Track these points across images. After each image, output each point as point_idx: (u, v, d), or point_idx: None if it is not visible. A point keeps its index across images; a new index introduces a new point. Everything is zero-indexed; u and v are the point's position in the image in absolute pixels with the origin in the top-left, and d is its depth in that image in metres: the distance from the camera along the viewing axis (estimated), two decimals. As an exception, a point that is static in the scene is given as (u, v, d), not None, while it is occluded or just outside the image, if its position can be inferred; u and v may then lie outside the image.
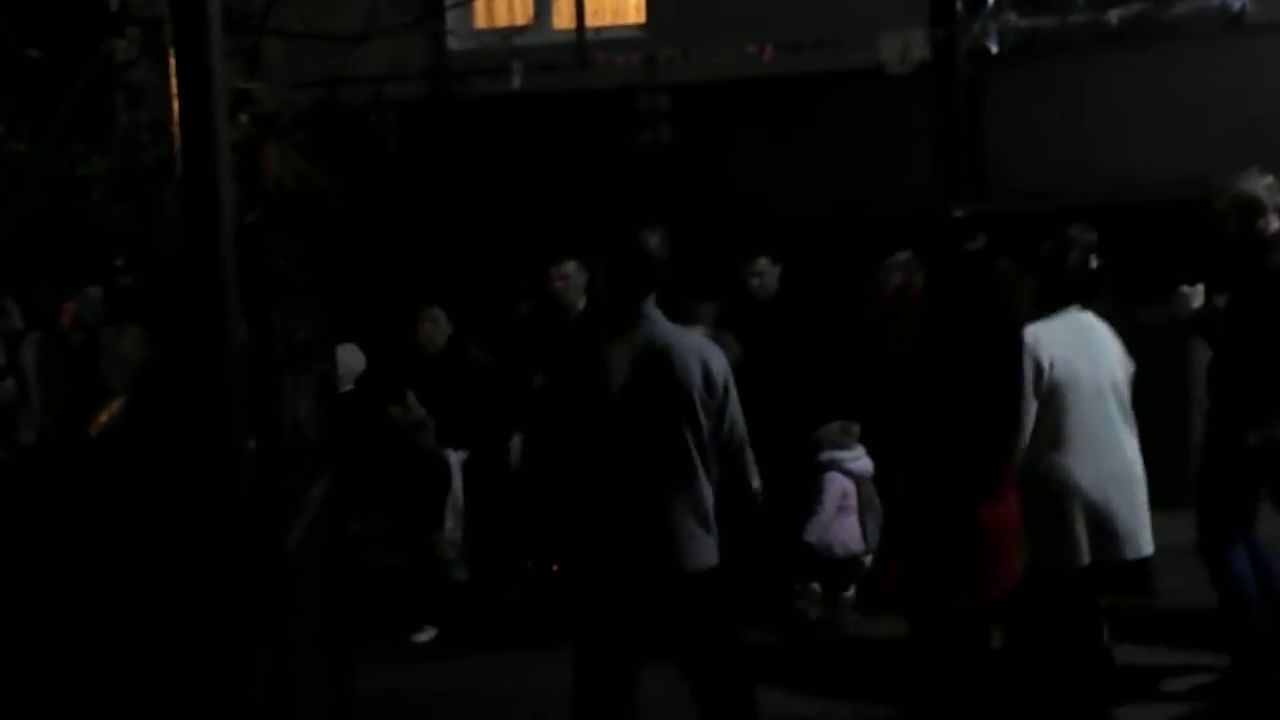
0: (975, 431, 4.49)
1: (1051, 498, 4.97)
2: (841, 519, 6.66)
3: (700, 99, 8.79)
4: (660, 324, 4.15)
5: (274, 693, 3.22)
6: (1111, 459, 5.08)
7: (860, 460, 6.73)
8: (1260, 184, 5.55)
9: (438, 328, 7.01)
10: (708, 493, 4.09)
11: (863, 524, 6.66)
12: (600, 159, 8.70)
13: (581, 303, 7.02)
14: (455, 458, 6.94)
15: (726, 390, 4.12)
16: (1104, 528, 5.03)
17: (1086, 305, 5.22)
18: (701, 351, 4.14)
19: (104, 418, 4.48)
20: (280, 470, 3.34)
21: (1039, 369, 4.97)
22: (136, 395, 4.14)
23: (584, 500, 4.09)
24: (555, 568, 5.21)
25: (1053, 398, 4.99)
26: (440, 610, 6.90)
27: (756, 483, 4.18)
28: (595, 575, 4.11)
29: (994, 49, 8.34)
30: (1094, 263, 5.27)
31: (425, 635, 6.85)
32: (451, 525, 6.88)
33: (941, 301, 4.63)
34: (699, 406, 4.05)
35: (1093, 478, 5.02)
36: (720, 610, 4.13)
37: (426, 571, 6.94)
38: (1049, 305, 5.15)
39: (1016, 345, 4.75)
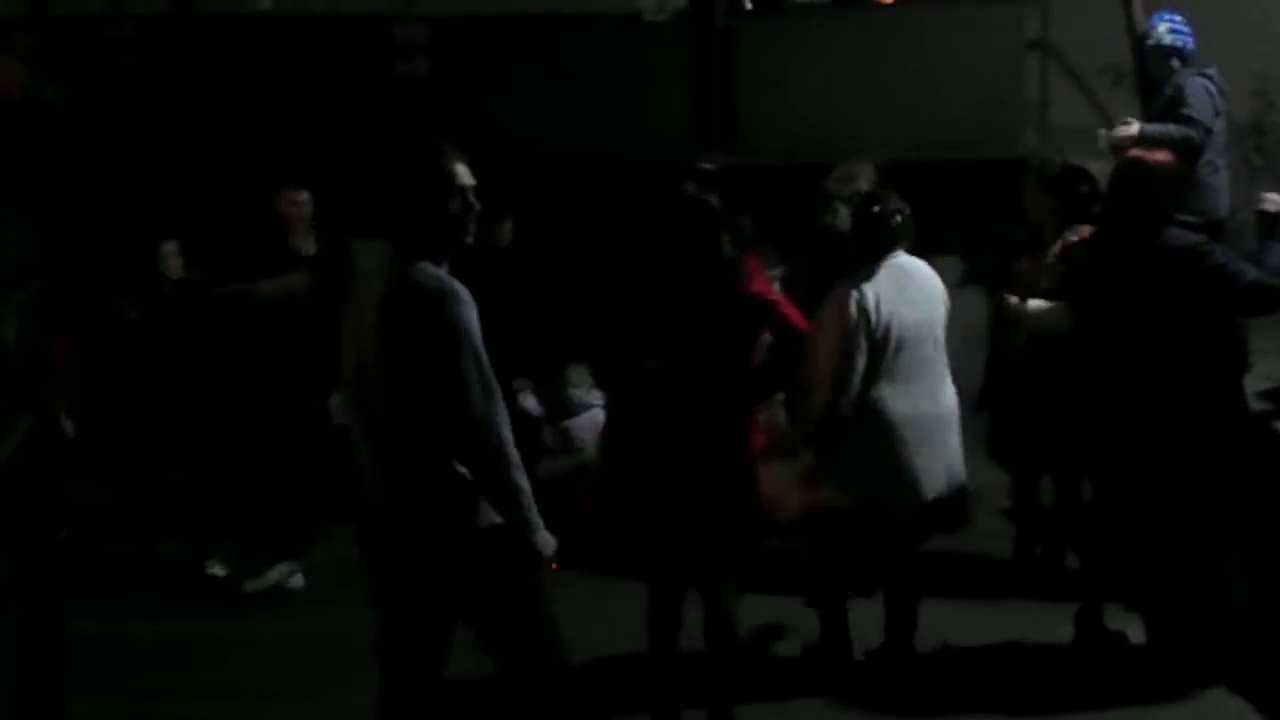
0: (716, 380, 4.59)
1: (881, 441, 5.12)
2: None
3: (458, 32, 8.65)
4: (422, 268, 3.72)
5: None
6: (930, 401, 5.23)
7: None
8: (854, 173, 5.81)
9: (173, 262, 6.72)
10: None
11: None
12: (352, 89, 8.46)
13: (309, 237, 6.86)
14: None
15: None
16: (923, 470, 5.19)
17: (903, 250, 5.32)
18: (442, 301, 3.71)
19: None
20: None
21: (866, 315, 5.10)
22: None
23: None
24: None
25: (880, 342, 5.13)
26: None
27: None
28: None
29: (749, 4, 8.47)
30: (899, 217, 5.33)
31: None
32: None
33: (668, 251, 4.69)
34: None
35: (916, 415, 5.17)
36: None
37: None
38: (869, 253, 5.24)
39: (735, 298, 4.78)
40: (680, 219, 4.70)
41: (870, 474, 5.15)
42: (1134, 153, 5.47)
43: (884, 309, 5.16)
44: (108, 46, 8.50)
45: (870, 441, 5.14)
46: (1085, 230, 5.77)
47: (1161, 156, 5.34)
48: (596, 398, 6.87)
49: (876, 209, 5.29)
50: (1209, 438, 5.15)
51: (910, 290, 5.27)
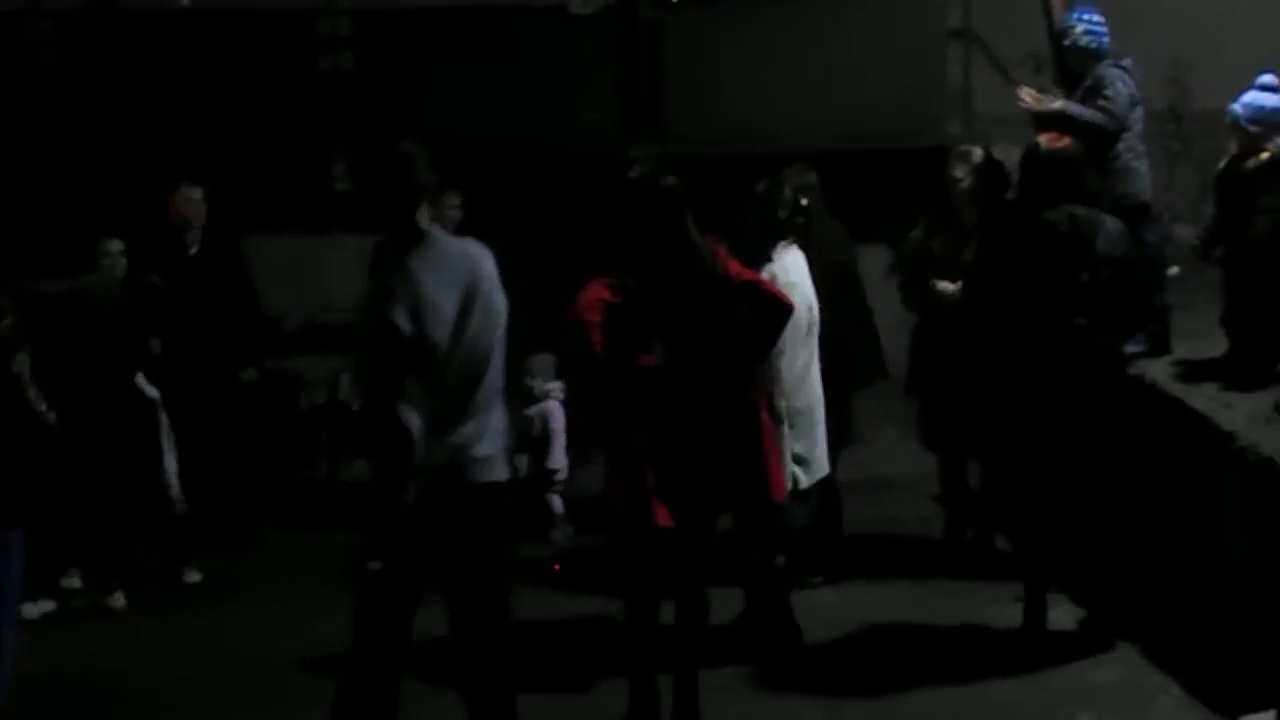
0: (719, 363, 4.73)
1: (813, 417, 5.41)
2: (560, 444, 6.87)
3: (383, 26, 8.59)
4: (447, 237, 4.18)
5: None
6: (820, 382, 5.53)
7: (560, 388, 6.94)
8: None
9: (116, 261, 6.50)
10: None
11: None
12: (276, 83, 8.38)
13: (200, 233, 6.86)
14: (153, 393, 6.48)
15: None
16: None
17: (799, 241, 5.49)
18: (486, 257, 4.18)
19: None
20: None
21: (808, 303, 5.33)
22: None
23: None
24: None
25: (811, 328, 5.38)
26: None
27: None
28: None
29: (674, -6, 8.49)
30: (804, 201, 5.53)
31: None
32: (169, 461, 6.46)
33: (637, 240, 4.76)
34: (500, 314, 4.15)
35: (821, 397, 5.49)
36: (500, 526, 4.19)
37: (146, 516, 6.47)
38: (765, 240, 5.39)
39: (712, 278, 4.88)
40: (648, 206, 4.74)
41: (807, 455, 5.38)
42: (1041, 138, 5.60)
43: (810, 296, 5.38)
44: (26, 42, 8.36)
45: (808, 427, 5.38)
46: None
47: (1063, 144, 5.48)
48: (555, 388, 6.86)
49: (802, 200, 5.44)
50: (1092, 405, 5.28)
51: (807, 276, 5.46)
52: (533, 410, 6.85)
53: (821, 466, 5.50)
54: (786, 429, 5.29)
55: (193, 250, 6.88)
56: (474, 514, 4.11)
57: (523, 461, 6.77)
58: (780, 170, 5.79)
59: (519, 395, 6.85)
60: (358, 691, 4.12)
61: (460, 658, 4.25)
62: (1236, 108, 5.93)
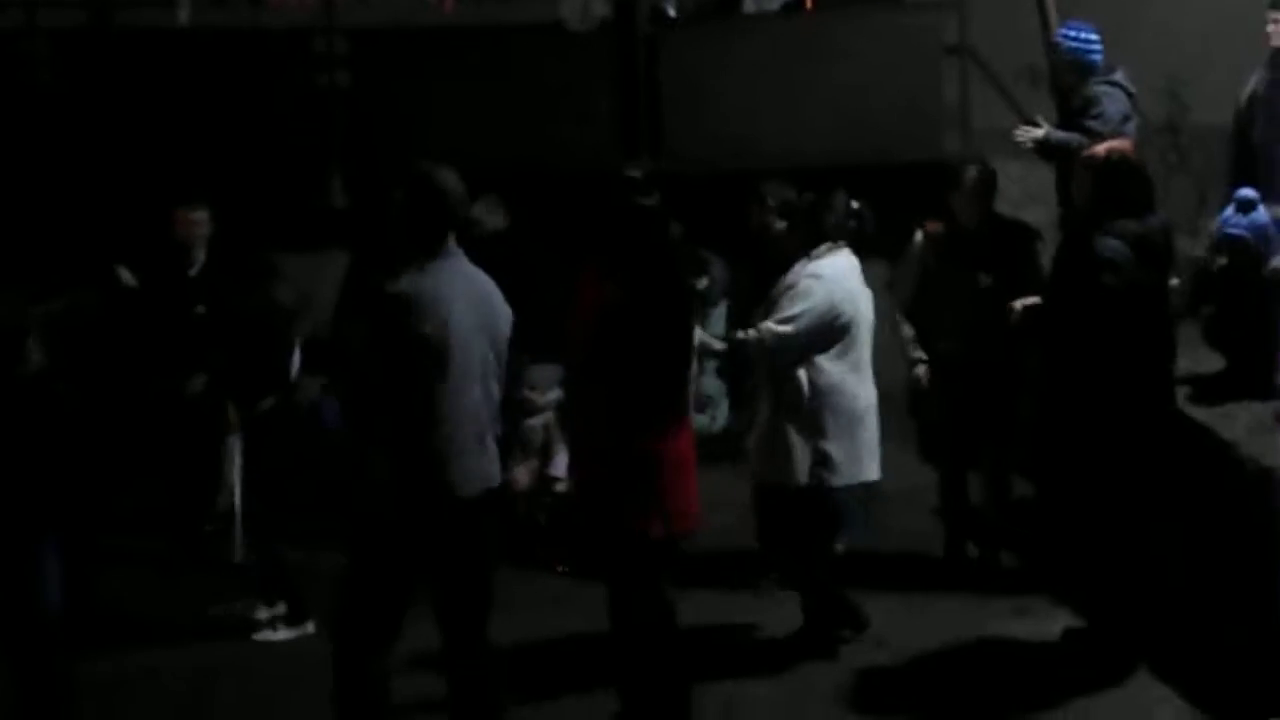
0: (649, 374, 4.73)
1: (855, 420, 5.47)
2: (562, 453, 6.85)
3: (380, 45, 8.60)
4: (466, 263, 4.41)
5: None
6: (872, 387, 5.60)
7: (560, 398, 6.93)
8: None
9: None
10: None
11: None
12: (273, 102, 8.38)
13: (203, 252, 6.85)
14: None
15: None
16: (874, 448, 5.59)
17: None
18: (496, 291, 4.49)
19: None
20: None
21: (833, 301, 5.39)
22: None
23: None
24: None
25: (852, 328, 5.45)
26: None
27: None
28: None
29: (671, 13, 8.49)
30: (855, 204, 5.60)
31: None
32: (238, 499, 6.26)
33: (618, 253, 4.80)
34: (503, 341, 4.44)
35: (872, 402, 5.57)
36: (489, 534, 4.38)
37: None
38: (815, 244, 5.49)
39: (685, 295, 5.05)
40: (628, 223, 4.79)
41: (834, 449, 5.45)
42: (1115, 145, 5.59)
43: (853, 296, 5.47)
44: (22, 62, 8.36)
45: (844, 427, 5.45)
46: None
47: (1126, 147, 5.47)
48: (555, 398, 6.85)
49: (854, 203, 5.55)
50: (1140, 427, 5.26)
51: (861, 282, 5.54)
52: (535, 421, 6.86)
53: (853, 471, 5.47)
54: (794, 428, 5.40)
55: (193, 271, 6.86)
56: (462, 527, 4.27)
57: (522, 473, 6.74)
58: (762, 185, 5.86)
59: (519, 408, 6.82)
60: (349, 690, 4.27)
61: (449, 669, 4.38)
62: (1241, 233, 5.78)
